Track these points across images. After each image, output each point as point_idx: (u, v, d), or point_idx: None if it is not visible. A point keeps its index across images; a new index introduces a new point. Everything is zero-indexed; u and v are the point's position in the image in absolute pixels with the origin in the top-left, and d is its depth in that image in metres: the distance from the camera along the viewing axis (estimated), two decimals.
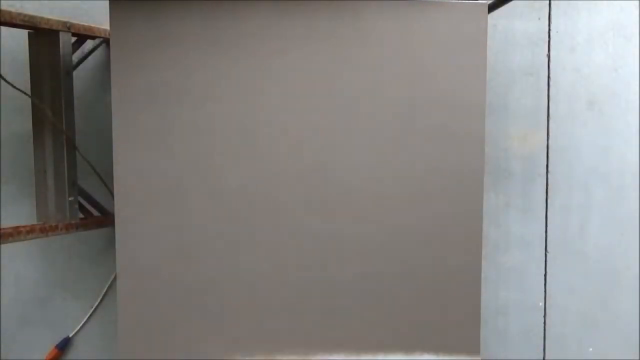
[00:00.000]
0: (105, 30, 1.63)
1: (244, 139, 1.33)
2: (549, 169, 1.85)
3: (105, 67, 1.74)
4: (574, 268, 1.87)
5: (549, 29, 1.83)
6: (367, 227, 1.36)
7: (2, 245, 1.62)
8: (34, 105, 1.49)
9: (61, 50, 1.48)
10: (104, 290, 1.80)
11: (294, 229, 1.35)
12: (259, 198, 1.34)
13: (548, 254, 1.87)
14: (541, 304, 1.87)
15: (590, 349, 1.89)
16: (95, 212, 1.67)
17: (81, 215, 1.58)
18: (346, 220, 1.35)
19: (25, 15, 1.40)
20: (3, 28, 1.49)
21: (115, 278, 1.75)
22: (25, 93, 1.45)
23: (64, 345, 1.80)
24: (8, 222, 1.65)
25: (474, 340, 1.39)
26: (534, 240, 1.86)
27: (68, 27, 1.50)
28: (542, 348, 1.87)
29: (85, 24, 1.58)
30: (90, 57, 1.69)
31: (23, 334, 1.80)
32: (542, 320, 1.88)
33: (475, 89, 1.35)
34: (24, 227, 1.40)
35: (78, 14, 1.69)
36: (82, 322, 1.80)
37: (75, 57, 1.60)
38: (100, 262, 1.80)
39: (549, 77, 1.84)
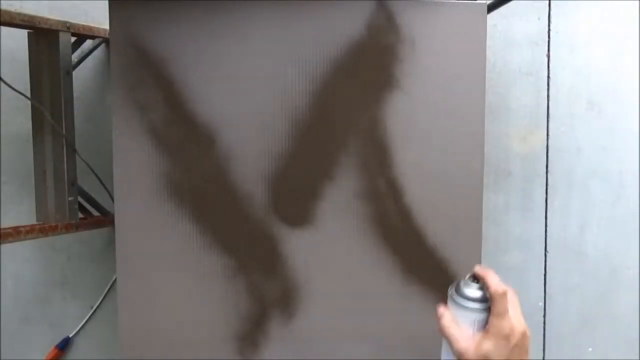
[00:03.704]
0: (105, 30, 1.63)
1: (243, 138, 1.33)
2: (549, 169, 1.85)
3: (105, 67, 1.74)
4: (573, 268, 1.87)
5: (549, 29, 1.83)
6: (367, 227, 1.36)
7: (2, 245, 1.62)
8: (33, 105, 1.49)
9: (61, 50, 1.48)
10: (104, 291, 1.80)
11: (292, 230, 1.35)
12: (257, 194, 1.34)
13: (548, 254, 1.87)
14: (541, 304, 1.87)
15: (590, 349, 1.89)
16: (95, 212, 1.67)
17: (81, 215, 1.58)
18: (344, 221, 1.35)
19: (24, 15, 1.39)
20: (3, 28, 1.49)
21: (115, 278, 1.75)
22: (24, 95, 1.44)
23: (64, 345, 1.80)
24: (8, 222, 1.65)
25: None
26: (533, 240, 1.86)
27: (67, 27, 1.50)
28: (542, 348, 1.87)
29: (85, 24, 1.58)
30: (90, 57, 1.69)
31: (23, 334, 1.80)
32: (542, 320, 1.88)
33: (475, 89, 1.35)
34: (23, 227, 1.40)
35: (77, 14, 1.69)
36: (82, 322, 1.80)
37: (75, 57, 1.60)
38: (100, 262, 1.80)
39: (548, 77, 1.83)
